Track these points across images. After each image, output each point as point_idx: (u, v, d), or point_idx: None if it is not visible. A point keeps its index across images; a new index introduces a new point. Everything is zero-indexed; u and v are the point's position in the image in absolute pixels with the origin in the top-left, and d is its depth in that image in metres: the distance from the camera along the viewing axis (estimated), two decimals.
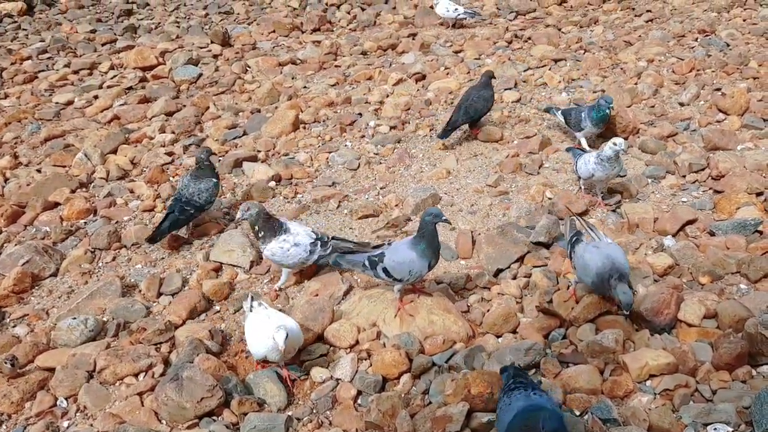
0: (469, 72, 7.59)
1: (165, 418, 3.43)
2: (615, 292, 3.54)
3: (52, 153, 6.19)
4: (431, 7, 9.41)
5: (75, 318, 4.03)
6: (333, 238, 4.46)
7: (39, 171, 5.98)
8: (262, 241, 4.29)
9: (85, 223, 5.23)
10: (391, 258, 3.82)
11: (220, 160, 5.99)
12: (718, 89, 6.55)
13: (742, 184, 4.86)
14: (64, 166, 6.02)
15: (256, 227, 4.27)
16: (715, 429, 3.01)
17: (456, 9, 9.02)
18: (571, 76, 7.18)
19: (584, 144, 5.69)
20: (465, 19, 9.12)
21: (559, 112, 5.92)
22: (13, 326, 4.22)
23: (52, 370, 3.77)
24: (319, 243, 4.32)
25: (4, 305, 4.39)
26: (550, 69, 7.44)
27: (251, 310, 3.75)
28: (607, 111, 5.50)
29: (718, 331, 3.64)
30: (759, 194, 4.79)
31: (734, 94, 6.11)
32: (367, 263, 3.91)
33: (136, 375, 3.71)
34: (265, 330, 3.49)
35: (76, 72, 8.08)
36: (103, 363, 3.72)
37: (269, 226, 4.27)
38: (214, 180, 5.01)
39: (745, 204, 4.68)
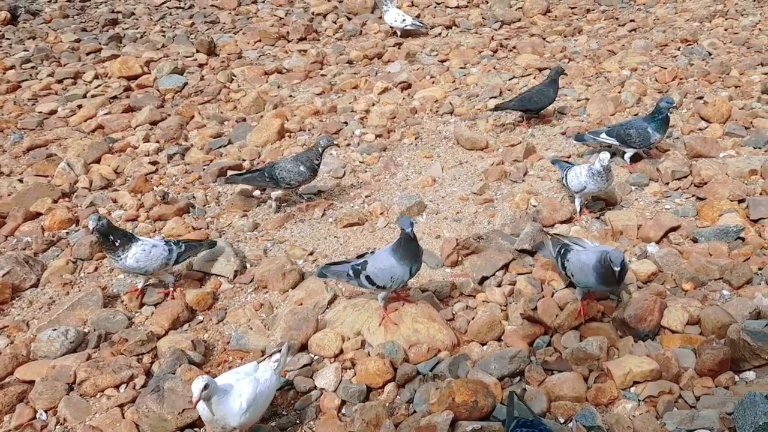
0: (454, 81, 7.62)
1: (146, 430, 3.38)
2: (612, 264, 3.57)
3: (35, 163, 6.13)
4: (380, 18, 9.52)
5: (55, 329, 3.98)
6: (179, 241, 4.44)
7: (21, 181, 5.91)
8: (121, 250, 4.13)
9: (67, 233, 5.18)
10: (374, 266, 3.81)
11: (204, 169, 5.96)
12: (701, 97, 6.61)
13: (724, 191, 4.90)
14: (47, 176, 5.96)
15: (111, 236, 4.13)
16: None
17: (404, 20, 9.07)
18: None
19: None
20: (413, 29, 9.20)
21: (602, 135, 5.51)
22: None
23: (31, 382, 3.71)
24: (171, 242, 4.34)
25: None
26: (534, 78, 7.48)
27: (261, 360, 3.46)
28: (668, 114, 5.29)
29: (701, 337, 3.66)
30: (741, 201, 4.83)
31: (716, 103, 6.17)
32: (351, 273, 3.88)
33: (117, 387, 3.66)
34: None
35: (59, 81, 8.01)
36: (84, 375, 3.67)
37: (121, 233, 4.22)
38: (303, 168, 5.10)
39: (727, 211, 4.72)
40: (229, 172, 5.82)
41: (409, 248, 3.74)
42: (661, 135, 5.37)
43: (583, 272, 3.79)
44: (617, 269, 3.56)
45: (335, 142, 5.14)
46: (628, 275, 4.15)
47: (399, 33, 9.21)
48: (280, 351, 3.44)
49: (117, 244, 4.13)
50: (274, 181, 5.12)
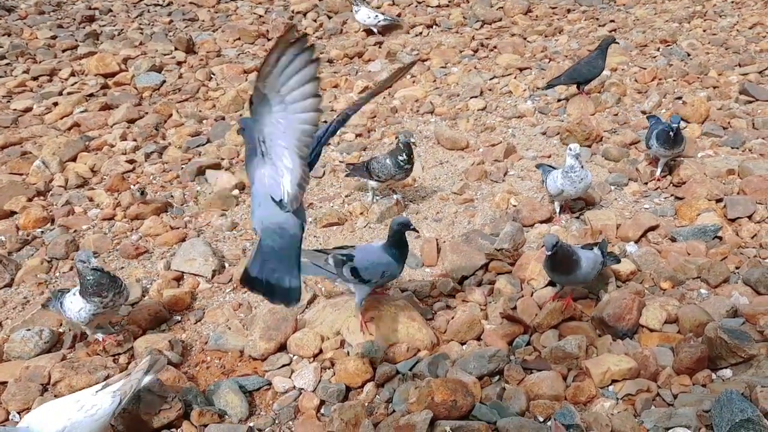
0: (435, 80, 7.62)
1: (122, 430, 3.33)
2: None
3: (9, 161, 6.02)
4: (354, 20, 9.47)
5: (29, 329, 3.90)
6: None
7: None
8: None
9: (42, 232, 5.09)
10: (365, 258, 3.71)
11: (183, 168, 5.90)
12: (679, 98, 6.67)
13: (702, 190, 4.93)
14: (21, 174, 5.86)
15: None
16: None
17: (377, 16, 9.12)
18: (537, 85, 7.24)
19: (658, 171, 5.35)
20: (385, 25, 9.21)
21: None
22: None
23: (4, 383, 3.64)
24: None
25: None
26: (515, 77, 7.51)
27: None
28: (668, 129, 5.01)
29: (679, 335, 3.68)
30: (719, 201, 4.87)
31: (695, 103, 6.23)
32: (330, 261, 3.74)
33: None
34: None
35: (35, 78, 7.88)
36: (58, 375, 3.60)
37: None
38: (389, 162, 5.00)
39: (705, 210, 4.75)
40: (208, 171, 5.77)
41: (403, 249, 3.77)
42: (659, 146, 5.12)
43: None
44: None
45: (413, 140, 5.06)
46: (607, 274, 4.17)
47: (377, 30, 9.20)
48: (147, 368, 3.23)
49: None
50: (369, 173, 5.13)
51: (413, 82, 7.60)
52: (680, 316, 3.76)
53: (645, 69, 7.36)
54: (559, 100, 6.86)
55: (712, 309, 3.78)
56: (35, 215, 5.15)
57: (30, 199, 5.43)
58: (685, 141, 5.22)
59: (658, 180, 5.28)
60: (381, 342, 3.75)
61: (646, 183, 5.30)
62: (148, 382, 3.24)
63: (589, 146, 5.89)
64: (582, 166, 4.69)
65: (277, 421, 3.43)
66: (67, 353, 3.87)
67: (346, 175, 5.51)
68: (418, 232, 4.23)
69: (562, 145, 5.97)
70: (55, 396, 3.54)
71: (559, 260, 3.74)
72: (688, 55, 7.81)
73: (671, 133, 4.98)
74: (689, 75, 7.16)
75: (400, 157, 5.00)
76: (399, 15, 9.78)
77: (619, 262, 4.14)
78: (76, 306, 3.69)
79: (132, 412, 3.29)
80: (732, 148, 5.69)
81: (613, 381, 3.41)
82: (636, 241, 4.60)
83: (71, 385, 3.55)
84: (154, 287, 4.43)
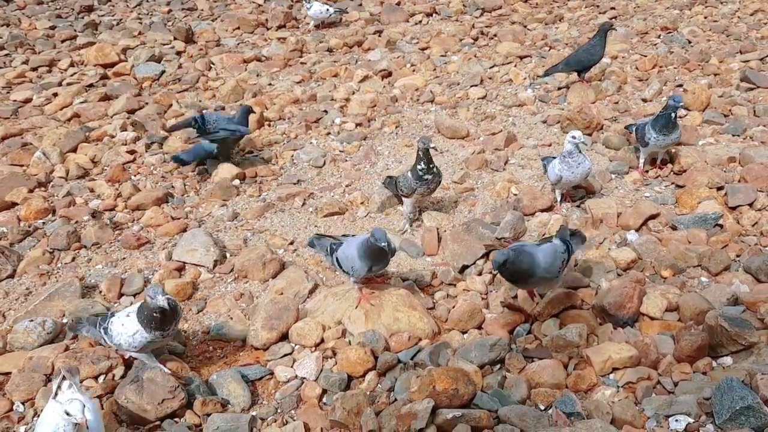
0: (435, 69, 7.60)
1: (125, 420, 3.36)
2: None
3: (9, 152, 6.02)
4: (305, 17, 9.48)
5: (32, 320, 3.92)
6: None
7: None
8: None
9: (44, 223, 5.10)
10: (342, 251, 3.88)
11: None
12: (680, 85, 6.65)
13: (703, 178, 4.93)
14: (22, 165, 5.86)
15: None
16: (676, 420, 3.04)
17: (328, 9, 9.15)
18: (537, 73, 7.22)
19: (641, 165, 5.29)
20: (335, 16, 9.27)
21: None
22: None
23: (8, 374, 3.66)
24: None
25: None
26: (515, 66, 7.49)
27: (55, 396, 3.01)
28: (671, 113, 4.90)
29: (680, 323, 3.69)
30: (719, 189, 4.87)
31: (696, 90, 6.22)
32: (328, 249, 3.99)
33: (95, 377, 3.61)
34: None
35: (34, 69, 7.88)
36: (62, 366, 3.62)
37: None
38: (410, 174, 4.65)
39: (706, 198, 4.75)
40: (208, 162, 5.78)
41: (373, 253, 3.74)
42: (657, 134, 5.00)
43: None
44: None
45: (432, 145, 4.58)
46: (607, 263, 4.18)
47: (319, 25, 9.25)
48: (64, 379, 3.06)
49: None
50: (395, 188, 4.84)
51: (413, 70, 7.59)
52: (681, 304, 3.77)
53: (646, 56, 7.34)
54: (559, 89, 6.85)
55: (713, 297, 3.79)
56: (36, 206, 5.15)
57: (31, 191, 5.43)
58: (680, 128, 5.10)
59: (659, 169, 5.26)
60: (382, 331, 3.77)
61: (647, 171, 5.29)
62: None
63: (590, 134, 5.88)
64: (581, 152, 4.68)
65: (279, 410, 3.44)
66: (70, 344, 3.89)
67: (384, 185, 5.11)
68: (393, 253, 3.99)
69: (562, 134, 5.96)
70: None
71: (512, 273, 3.63)
72: (689, 42, 7.79)
73: (672, 114, 4.89)
74: (690, 62, 7.14)
75: (419, 167, 4.59)
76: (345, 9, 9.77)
77: (585, 240, 4.04)
78: (129, 329, 3.39)
79: (135, 402, 3.31)
80: (733, 135, 5.68)
81: (614, 369, 3.42)
82: (637, 230, 4.60)
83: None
84: (155, 278, 4.45)
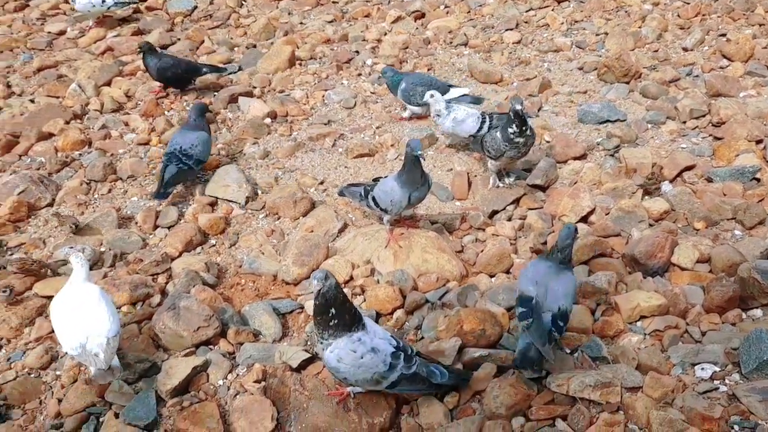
0: (469, 11, 7.44)
1: (163, 345, 3.47)
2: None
3: (45, 83, 6.08)
4: (72, 9, 7.41)
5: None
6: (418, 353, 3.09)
7: (32, 101, 5.88)
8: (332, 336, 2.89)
9: (80, 154, 5.18)
10: (379, 188, 3.92)
11: (215, 95, 5.90)
12: (723, 35, 6.45)
13: (742, 131, 4.83)
14: (58, 97, 5.92)
15: (332, 311, 2.86)
16: (702, 368, 3.07)
17: (104, 1, 7.11)
18: (574, 18, 7.04)
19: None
20: (117, 8, 7.32)
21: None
22: (11, 254, 4.20)
23: (50, 297, 3.77)
24: (402, 355, 2.94)
25: (0, 233, 4.38)
26: (553, 10, 7.29)
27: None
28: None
29: (711, 275, 3.68)
30: (759, 142, 4.78)
31: (739, 41, 6.03)
32: (362, 193, 4.04)
33: (133, 304, 3.73)
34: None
35: (68, 1, 7.86)
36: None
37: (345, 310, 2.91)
38: (499, 135, 4.27)
39: (744, 151, 4.67)
40: (240, 99, 5.77)
41: (412, 172, 3.76)
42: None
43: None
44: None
45: (520, 107, 4.09)
46: (639, 213, 4.14)
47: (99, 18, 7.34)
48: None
49: (332, 324, 2.88)
50: (482, 148, 4.50)
51: (447, 12, 7.44)
52: (713, 255, 3.75)
53: (689, 4, 7.08)
54: (597, 35, 6.68)
55: (746, 250, 3.76)
56: (73, 138, 5.23)
57: (67, 122, 5.50)
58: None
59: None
60: (411, 271, 3.81)
61: (684, 122, 5.17)
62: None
63: (627, 83, 5.76)
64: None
65: (309, 343, 3.53)
66: (108, 271, 4.00)
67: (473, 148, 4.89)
68: (424, 159, 3.91)
69: (598, 81, 5.86)
70: None
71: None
72: None
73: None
74: (735, 11, 6.89)
75: (510, 129, 4.18)
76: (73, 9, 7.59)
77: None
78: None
79: (172, 328, 3.42)
80: None
81: (642, 317, 3.44)
82: (671, 181, 4.54)
83: (113, 302, 3.67)
84: (189, 212, 4.52)
